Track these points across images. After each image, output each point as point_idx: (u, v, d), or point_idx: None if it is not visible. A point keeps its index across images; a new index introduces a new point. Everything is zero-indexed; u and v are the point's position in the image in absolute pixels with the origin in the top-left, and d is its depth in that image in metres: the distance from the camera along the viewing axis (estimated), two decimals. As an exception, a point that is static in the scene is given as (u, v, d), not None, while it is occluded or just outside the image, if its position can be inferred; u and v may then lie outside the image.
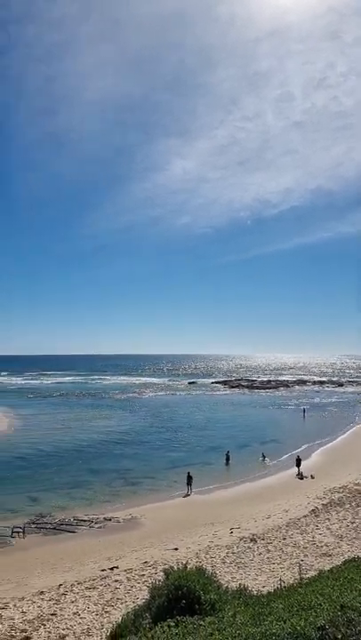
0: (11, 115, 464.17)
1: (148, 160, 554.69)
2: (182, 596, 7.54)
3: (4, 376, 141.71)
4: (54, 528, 21.46)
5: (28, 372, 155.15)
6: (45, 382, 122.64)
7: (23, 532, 20.58)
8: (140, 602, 10.87)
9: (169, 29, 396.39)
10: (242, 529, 19.94)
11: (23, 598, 13.64)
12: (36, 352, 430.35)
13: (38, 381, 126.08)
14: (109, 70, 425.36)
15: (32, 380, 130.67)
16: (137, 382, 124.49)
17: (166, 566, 12.42)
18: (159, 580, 8.92)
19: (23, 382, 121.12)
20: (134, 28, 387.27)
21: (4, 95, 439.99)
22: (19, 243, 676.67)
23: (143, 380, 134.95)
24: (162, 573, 9.67)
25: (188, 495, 27.00)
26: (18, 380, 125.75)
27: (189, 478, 27.60)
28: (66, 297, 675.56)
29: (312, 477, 29.42)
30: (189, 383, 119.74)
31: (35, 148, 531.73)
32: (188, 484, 27.43)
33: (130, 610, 9.01)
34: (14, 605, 13.08)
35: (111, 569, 15.92)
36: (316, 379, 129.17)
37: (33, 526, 21.52)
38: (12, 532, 20.46)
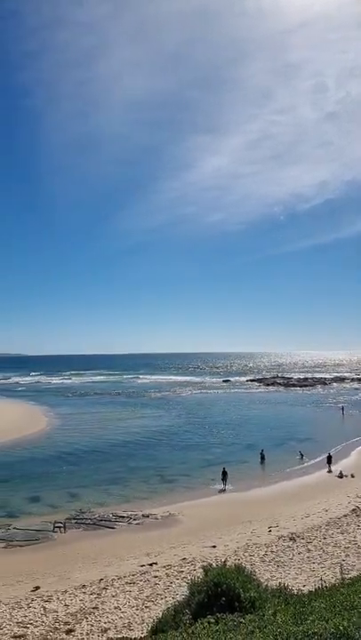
0: (42, 119, 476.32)
1: (179, 158, 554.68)
2: (222, 593, 7.55)
3: (35, 376, 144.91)
4: (94, 524, 21.89)
5: (61, 372, 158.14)
6: (80, 381, 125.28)
7: (64, 527, 21.12)
8: (179, 598, 10.93)
9: (197, 25, 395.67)
10: (280, 527, 19.72)
11: (66, 591, 14.01)
12: (51, 352, 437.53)
13: (71, 380, 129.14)
14: (138, 70, 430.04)
15: (66, 379, 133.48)
16: (171, 381, 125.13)
17: (205, 563, 12.47)
18: (198, 577, 8.94)
19: (59, 382, 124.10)
20: (162, 27, 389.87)
21: (36, 100, 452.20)
22: (43, 246, 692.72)
23: (177, 378, 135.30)
24: (200, 570, 9.70)
25: (223, 490, 27.07)
26: (53, 380, 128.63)
27: (224, 474, 27.84)
28: (89, 297, 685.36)
29: (352, 476, 28.72)
30: (224, 381, 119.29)
31: (66, 151, 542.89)
32: (223, 480, 27.66)
33: (170, 605, 9.08)
34: (57, 598, 13.46)
35: (150, 565, 16.12)
36: (356, 376, 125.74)
37: (73, 522, 22.02)
38: (54, 527, 21.04)
